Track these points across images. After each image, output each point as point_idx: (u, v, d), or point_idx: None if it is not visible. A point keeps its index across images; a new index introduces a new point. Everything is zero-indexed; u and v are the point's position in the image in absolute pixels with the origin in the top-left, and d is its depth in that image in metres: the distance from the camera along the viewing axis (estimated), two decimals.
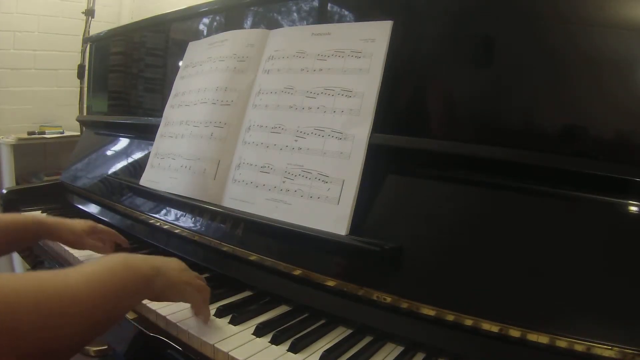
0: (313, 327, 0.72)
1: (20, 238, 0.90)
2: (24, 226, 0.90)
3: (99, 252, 0.96)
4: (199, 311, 0.72)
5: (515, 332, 0.59)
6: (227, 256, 0.91)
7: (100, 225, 1.01)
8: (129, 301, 0.61)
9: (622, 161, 0.62)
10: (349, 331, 0.72)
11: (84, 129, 1.96)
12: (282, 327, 0.71)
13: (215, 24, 1.26)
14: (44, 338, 0.45)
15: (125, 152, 1.43)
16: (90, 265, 0.56)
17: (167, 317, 0.74)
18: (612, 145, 0.65)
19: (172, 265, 0.70)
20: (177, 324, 0.72)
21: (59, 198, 1.53)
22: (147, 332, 0.74)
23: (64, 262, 1.08)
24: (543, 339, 0.57)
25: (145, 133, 1.34)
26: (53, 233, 0.94)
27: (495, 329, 0.60)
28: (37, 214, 1.17)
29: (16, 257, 2.43)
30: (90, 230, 0.98)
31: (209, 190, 0.99)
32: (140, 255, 0.67)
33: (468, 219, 0.71)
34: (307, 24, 1.02)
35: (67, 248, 1.03)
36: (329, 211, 0.80)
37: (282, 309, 0.79)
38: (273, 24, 1.07)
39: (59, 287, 0.48)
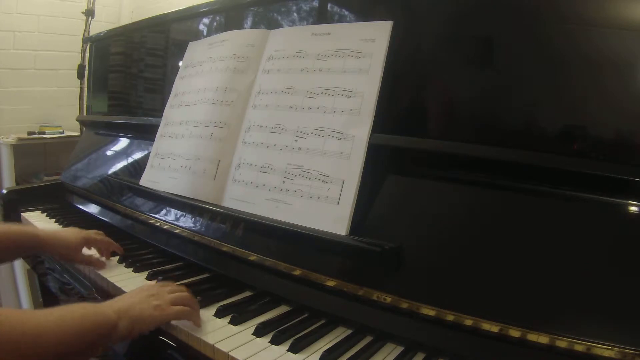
0: (313, 327, 0.72)
1: (14, 250, 0.91)
2: (18, 239, 0.90)
3: (92, 265, 0.95)
4: (187, 319, 0.72)
5: (515, 332, 0.59)
6: (227, 256, 0.91)
7: (94, 236, 1.00)
8: (94, 345, 0.64)
9: (622, 161, 0.62)
10: (349, 331, 0.72)
11: (84, 129, 1.96)
12: (282, 327, 0.71)
13: (215, 24, 1.26)
14: None
15: (125, 152, 1.43)
16: (60, 311, 0.63)
17: None
18: (612, 145, 0.65)
19: (136, 298, 0.71)
20: (177, 324, 0.72)
21: (59, 198, 1.53)
22: (147, 332, 0.74)
23: (67, 264, 1.08)
24: (543, 339, 0.57)
25: (145, 133, 1.34)
26: (47, 247, 0.95)
27: (495, 329, 0.60)
28: (30, 226, 1.16)
29: None
30: (84, 241, 0.98)
31: (209, 190, 0.99)
32: (107, 302, 0.71)
33: (468, 219, 0.71)
34: (307, 24, 1.02)
35: None
36: (329, 211, 0.80)
37: (282, 309, 0.79)
38: (273, 24, 1.07)
39: (33, 326, 0.57)
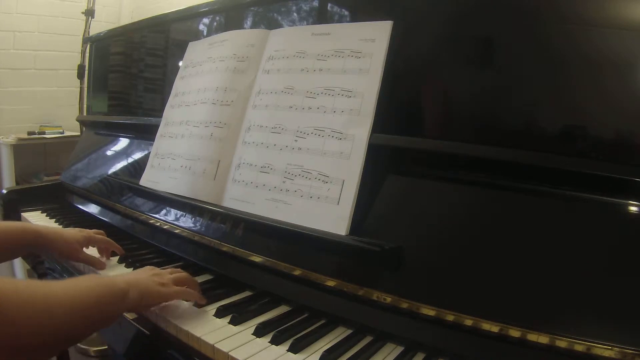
0: (313, 327, 0.72)
1: (16, 248, 0.91)
2: (20, 236, 0.90)
3: (93, 265, 0.95)
4: (189, 299, 0.77)
5: (515, 332, 0.59)
6: (227, 256, 0.91)
7: (96, 235, 1.00)
8: (107, 314, 0.66)
9: (622, 161, 0.62)
10: (349, 331, 0.72)
11: (84, 129, 1.96)
12: (282, 327, 0.71)
13: (215, 24, 1.26)
14: (36, 332, 0.54)
15: (125, 152, 1.43)
16: (72, 281, 0.64)
17: (167, 316, 0.74)
18: (612, 145, 0.65)
19: (142, 275, 0.76)
20: (177, 323, 0.72)
21: (59, 198, 1.53)
22: (147, 332, 0.74)
23: (67, 264, 1.08)
24: (543, 339, 0.57)
25: (145, 133, 1.34)
26: (49, 244, 0.94)
27: (495, 329, 0.60)
28: (32, 224, 1.17)
29: None
30: (85, 241, 0.98)
31: (209, 190, 0.99)
32: (116, 275, 0.76)
33: (468, 219, 0.71)
34: (307, 24, 1.02)
35: None
36: (329, 211, 0.80)
37: (282, 309, 0.79)
38: (273, 24, 1.07)
39: (46, 295, 0.56)
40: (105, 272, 0.94)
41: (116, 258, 1.02)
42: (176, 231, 1.02)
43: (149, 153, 1.20)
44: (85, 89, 1.98)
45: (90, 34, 2.03)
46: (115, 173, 1.36)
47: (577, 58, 0.68)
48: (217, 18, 1.25)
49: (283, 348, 0.66)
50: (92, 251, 1.01)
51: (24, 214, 1.39)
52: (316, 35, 0.94)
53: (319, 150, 0.85)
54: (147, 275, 0.76)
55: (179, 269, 0.82)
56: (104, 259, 1.00)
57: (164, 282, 0.75)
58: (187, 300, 0.78)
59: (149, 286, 0.73)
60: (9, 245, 0.89)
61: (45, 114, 2.89)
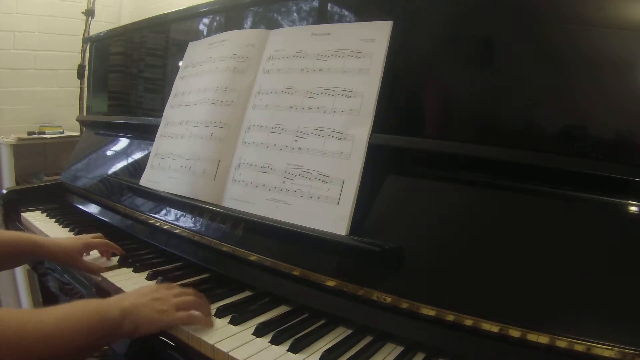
0: (313, 327, 0.72)
1: (14, 257, 0.92)
2: (18, 246, 0.91)
3: (91, 272, 0.96)
4: (193, 323, 0.72)
5: (515, 332, 0.59)
6: (227, 256, 0.91)
7: (94, 240, 1.01)
8: (97, 342, 0.64)
9: (622, 161, 0.62)
10: (349, 331, 0.72)
11: (84, 129, 1.96)
12: (282, 327, 0.71)
13: (215, 24, 1.26)
14: None
15: (125, 152, 1.43)
16: (65, 308, 0.63)
17: None
18: (612, 145, 0.65)
19: (143, 299, 0.70)
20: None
21: (59, 198, 1.53)
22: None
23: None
24: (543, 339, 0.57)
25: (145, 133, 1.34)
26: (47, 254, 0.95)
27: (495, 329, 0.60)
28: (30, 234, 1.17)
29: None
30: (83, 248, 0.99)
31: (208, 190, 0.99)
32: (113, 298, 0.71)
33: (468, 219, 0.71)
34: (307, 24, 1.02)
35: None
36: (329, 211, 0.80)
37: (282, 309, 0.79)
38: (273, 24, 1.07)
39: (37, 326, 0.57)
40: (107, 274, 0.94)
41: (116, 258, 1.02)
42: (176, 231, 1.02)
43: (149, 153, 1.20)
44: (85, 89, 1.98)
45: (90, 34, 2.03)
46: (115, 173, 1.36)
47: (577, 58, 0.68)
48: (217, 18, 1.25)
49: (283, 348, 0.66)
50: (93, 252, 1.02)
51: (24, 214, 1.39)
52: (316, 35, 0.94)
53: (319, 150, 0.85)
54: (148, 300, 0.70)
55: (188, 290, 0.76)
56: (103, 259, 1.01)
57: (166, 309, 0.70)
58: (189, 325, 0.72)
59: (147, 314, 0.68)
60: (7, 256, 0.90)
61: (45, 114, 2.89)
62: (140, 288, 0.75)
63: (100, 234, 1.04)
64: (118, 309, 0.66)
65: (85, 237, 1.01)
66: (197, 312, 0.72)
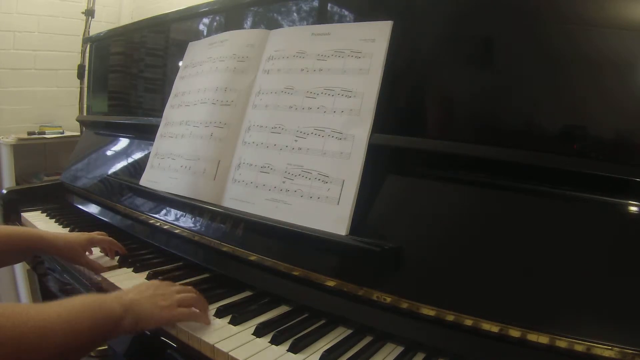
0: (313, 327, 0.72)
1: (18, 251, 0.92)
2: (23, 240, 0.91)
3: (93, 270, 0.96)
4: (194, 320, 0.72)
5: (515, 332, 0.59)
6: (227, 256, 0.91)
7: (98, 237, 1.01)
8: (99, 337, 0.64)
9: (622, 161, 0.62)
10: (349, 331, 0.72)
11: (84, 129, 1.96)
12: (282, 327, 0.71)
13: (215, 24, 1.26)
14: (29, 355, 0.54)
15: (125, 152, 1.43)
16: (67, 303, 0.62)
17: None
18: (612, 145, 0.65)
19: (145, 294, 0.71)
20: (178, 324, 0.72)
21: (59, 198, 1.53)
22: (147, 332, 0.74)
23: (67, 265, 1.08)
24: (543, 339, 0.57)
25: (145, 133, 1.34)
26: (51, 248, 0.95)
27: (495, 329, 0.60)
28: (35, 228, 1.17)
29: None
30: (88, 244, 0.99)
31: (208, 190, 0.99)
32: (114, 294, 0.70)
33: (468, 219, 0.71)
34: (307, 24, 1.02)
35: None
36: (329, 211, 0.80)
37: (282, 309, 0.79)
38: (273, 24, 1.07)
39: (38, 321, 0.56)
40: (107, 274, 0.94)
41: (116, 258, 1.02)
42: (176, 231, 1.02)
43: (149, 153, 1.20)
44: (85, 89, 1.98)
45: (90, 34, 2.03)
46: (115, 173, 1.36)
47: (577, 58, 0.68)
48: (217, 18, 1.25)
49: (283, 348, 0.66)
50: (94, 251, 1.02)
51: (24, 214, 1.39)
52: (316, 35, 0.94)
53: (319, 150, 0.85)
54: (150, 294, 0.71)
55: (189, 288, 0.77)
56: (106, 259, 1.01)
57: (167, 305, 0.70)
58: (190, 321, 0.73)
59: (149, 310, 0.68)
60: (12, 250, 0.89)
61: (45, 114, 2.89)
62: (141, 284, 0.75)
63: (104, 232, 1.05)
64: (119, 303, 0.66)
65: (90, 234, 1.01)
66: (196, 310, 0.73)
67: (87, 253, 0.99)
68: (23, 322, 0.54)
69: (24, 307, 0.59)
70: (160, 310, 0.69)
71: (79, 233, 1.02)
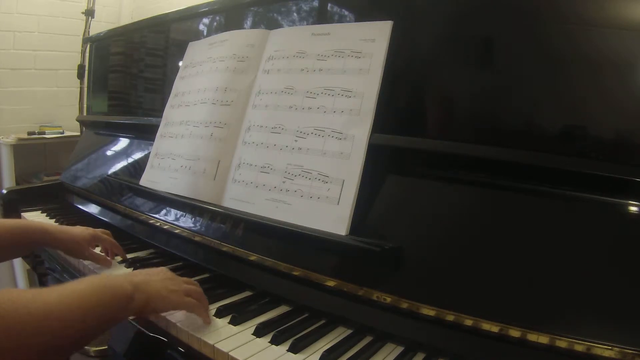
0: (313, 327, 0.72)
1: (23, 244, 0.91)
2: (27, 233, 0.91)
3: (98, 263, 0.95)
4: (196, 314, 0.72)
5: (515, 332, 0.59)
6: (227, 256, 0.91)
7: (103, 235, 1.00)
8: (108, 317, 0.62)
9: (622, 161, 0.62)
10: (349, 331, 0.72)
11: (84, 129, 1.96)
12: (282, 327, 0.71)
13: (215, 24, 1.26)
14: (27, 346, 0.51)
15: (125, 152, 1.43)
16: (71, 285, 0.60)
17: (167, 317, 0.74)
18: (612, 145, 0.65)
19: (154, 277, 0.71)
20: (177, 324, 0.72)
21: (59, 198, 1.53)
22: (147, 332, 0.74)
23: (67, 264, 1.08)
24: (543, 339, 0.57)
25: (145, 133, 1.34)
26: (55, 241, 0.95)
27: (495, 329, 0.60)
28: (39, 221, 1.17)
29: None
30: (92, 238, 0.98)
31: (209, 190, 0.99)
32: (124, 274, 0.70)
33: (468, 219, 0.71)
34: (307, 24, 1.02)
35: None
36: (329, 211, 0.80)
37: (282, 309, 0.79)
38: (273, 24, 1.07)
39: (39, 306, 0.53)
40: (110, 271, 0.94)
41: (117, 258, 1.02)
42: (176, 231, 1.02)
43: (149, 153, 1.20)
44: (85, 89, 1.98)
45: (90, 34, 2.03)
46: (115, 173, 1.36)
47: (577, 58, 0.68)
48: (217, 18, 1.25)
49: (283, 348, 0.66)
50: (96, 250, 1.01)
51: (24, 214, 1.38)
52: (316, 35, 0.94)
53: (319, 151, 0.85)
54: (160, 278, 0.71)
55: (194, 282, 0.77)
56: (108, 258, 1.00)
57: (177, 290, 0.70)
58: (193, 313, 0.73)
59: (159, 290, 0.68)
60: (16, 242, 0.89)
61: (45, 114, 2.89)
62: (150, 269, 0.75)
63: (108, 231, 1.04)
64: (129, 282, 0.66)
65: (95, 230, 1.01)
66: (201, 305, 0.73)
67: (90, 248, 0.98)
68: (23, 307, 0.52)
69: (23, 292, 0.57)
70: (170, 293, 0.69)
71: (84, 227, 1.01)
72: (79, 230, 0.98)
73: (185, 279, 0.76)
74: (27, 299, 0.53)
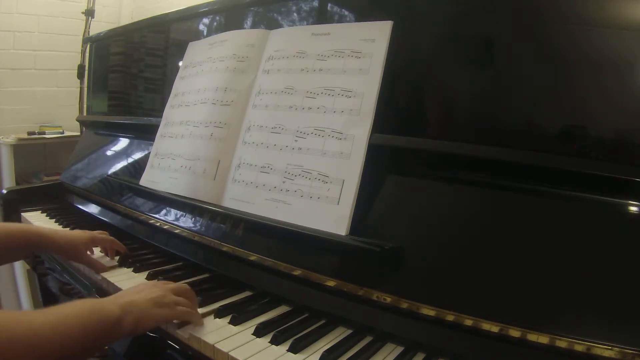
0: (313, 327, 0.72)
1: (21, 248, 0.91)
2: (24, 237, 0.91)
3: (94, 268, 0.95)
4: (189, 320, 0.72)
5: (515, 332, 0.59)
6: (227, 256, 0.91)
7: (99, 235, 1.01)
8: (96, 342, 0.62)
9: (622, 161, 0.62)
10: (349, 331, 0.72)
11: (84, 129, 1.96)
12: (282, 327, 0.71)
13: (215, 24, 1.26)
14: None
15: (125, 152, 1.43)
16: (59, 309, 0.60)
17: None
18: (612, 145, 0.65)
19: (139, 296, 0.69)
20: (178, 323, 0.72)
21: (59, 198, 1.53)
22: (148, 332, 0.74)
23: (67, 264, 1.08)
24: (543, 339, 0.57)
25: (145, 133, 1.34)
26: (52, 245, 0.95)
27: (495, 329, 0.60)
28: (37, 225, 1.17)
29: None
30: (89, 241, 0.98)
31: (208, 190, 0.99)
32: (110, 297, 0.69)
33: (468, 219, 0.71)
34: (307, 24, 1.02)
35: None
36: (329, 211, 0.80)
37: (282, 309, 0.79)
38: (273, 24, 1.07)
39: (25, 330, 0.53)
40: (106, 272, 0.94)
41: (117, 258, 1.02)
42: (176, 231, 1.02)
43: (149, 153, 1.20)
44: (85, 89, 1.98)
45: (90, 34, 2.03)
46: (115, 173, 1.36)
47: (577, 58, 0.68)
48: (217, 18, 1.25)
49: (283, 348, 0.66)
50: (95, 251, 1.02)
51: (24, 214, 1.39)
52: (316, 35, 0.94)
53: (319, 150, 0.85)
54: (147, 293, 0.70)
55: (184, 285, 0.76)
56: (107, 259, 1.00)
57: (166, 302, 0.69)
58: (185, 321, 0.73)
59: (146, 309, 0.67)
60: (13, 247, 0.89)
61: (45, 114, 2.89)
62: (136, 285, 0.74)
63: (105, 231, 1.04)
64: (116, 305, 0.64)
65: (92, 232, 1.01)
66: (193, 311, 0.73)
67: (88, 252, 0.99)
68: (12, 328, 0.52)
69: (13, 314, 0.56)
70: (158, 309, 0.68)
71: (81, 231, 1.02)
72: (76, 234, 0.98)
73: (172, 286, 0.74)
74: (13, 321, 0.53)
